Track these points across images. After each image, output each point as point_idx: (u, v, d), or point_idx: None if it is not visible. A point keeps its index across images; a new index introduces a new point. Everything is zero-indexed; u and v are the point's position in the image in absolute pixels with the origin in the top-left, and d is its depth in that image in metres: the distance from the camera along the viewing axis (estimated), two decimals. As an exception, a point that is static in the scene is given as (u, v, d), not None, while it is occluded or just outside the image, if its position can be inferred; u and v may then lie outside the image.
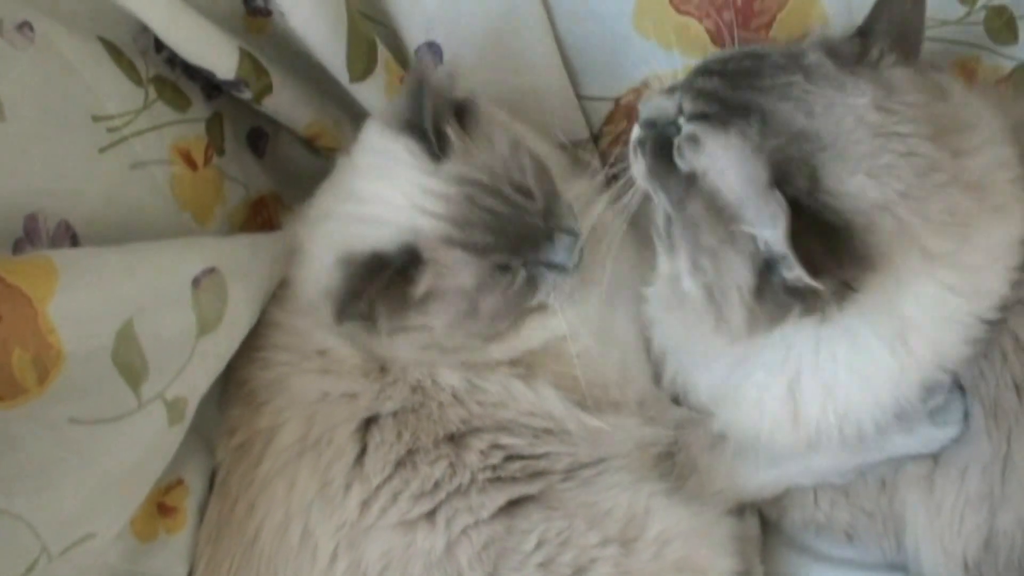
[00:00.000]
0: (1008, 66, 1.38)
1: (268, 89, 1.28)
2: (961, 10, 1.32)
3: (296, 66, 1.38)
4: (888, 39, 1.01)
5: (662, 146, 1.03)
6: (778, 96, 0.98)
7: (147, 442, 0.98)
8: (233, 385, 1.18)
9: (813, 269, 0.88)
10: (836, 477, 1.15)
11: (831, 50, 1.01)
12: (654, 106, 1.07)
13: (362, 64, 1.31)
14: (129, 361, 0.93)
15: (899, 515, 1.13)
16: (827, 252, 0.89)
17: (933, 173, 0.95)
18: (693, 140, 0.99)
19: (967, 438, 1.05)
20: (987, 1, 1.31)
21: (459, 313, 1.10)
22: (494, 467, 1.09)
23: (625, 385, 1.20)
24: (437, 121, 1.08)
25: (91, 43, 1.10)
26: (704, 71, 1.05)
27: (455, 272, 1.08)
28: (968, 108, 1.04)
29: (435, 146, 1.08)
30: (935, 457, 1.08)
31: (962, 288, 0.98)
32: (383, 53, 1.35)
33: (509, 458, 1.10)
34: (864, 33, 1.03)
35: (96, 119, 1.07)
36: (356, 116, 1.50)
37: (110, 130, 1.08)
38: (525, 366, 1.17)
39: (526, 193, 1.10)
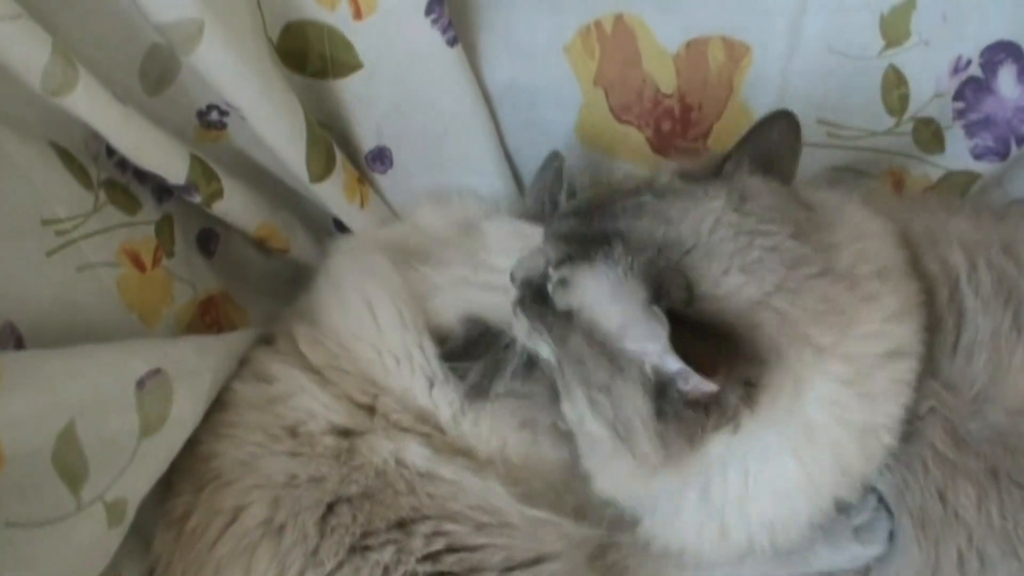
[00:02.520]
0: (936, 175, 1.42)
1: (219, 194, 1.29)
2: (890, 121, 1.37)
3: (248, 172, 1.40)
4: (757, 163, 1.02)
5: (540, 297, 1.04)
6: (632, 215, 0.98)
7: (85, 545, 0.96)
8: (197, 460, 1.16)
9: (705, 374, 0.87)
10: None
11: (683, 172, 1.03)
12: (525, 266, 1.08)
13: (321, 165, 1.33)
14: (69, 463, 0.92)
15: None
16: (715, 355, 0.88)
17: (803, 265, 0.94)
18: (563, 283, 0.99)
19: (897, 549, 1.04)
20: (915, 113, 1.36)
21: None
22: (434, 557, 1.09)
23: (566, 491, 1.22)
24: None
25: (42, 148, 1.11)
26: (562, 216, 1.07)
27: None
28: (828, 212, 1.03)
29: None
30: (864, 570, 1.08)
31: (857, 383, 0.96)
32: (339, 154, 1.38)
33: (449, 548, 1.10)
34: (727, 156, 1.04)
35: (45, 223, 1.08)
36: (307, 220, 1.54)
37: (58, 233, 1.09)
38: (477, 460, 1.19)
39: None
